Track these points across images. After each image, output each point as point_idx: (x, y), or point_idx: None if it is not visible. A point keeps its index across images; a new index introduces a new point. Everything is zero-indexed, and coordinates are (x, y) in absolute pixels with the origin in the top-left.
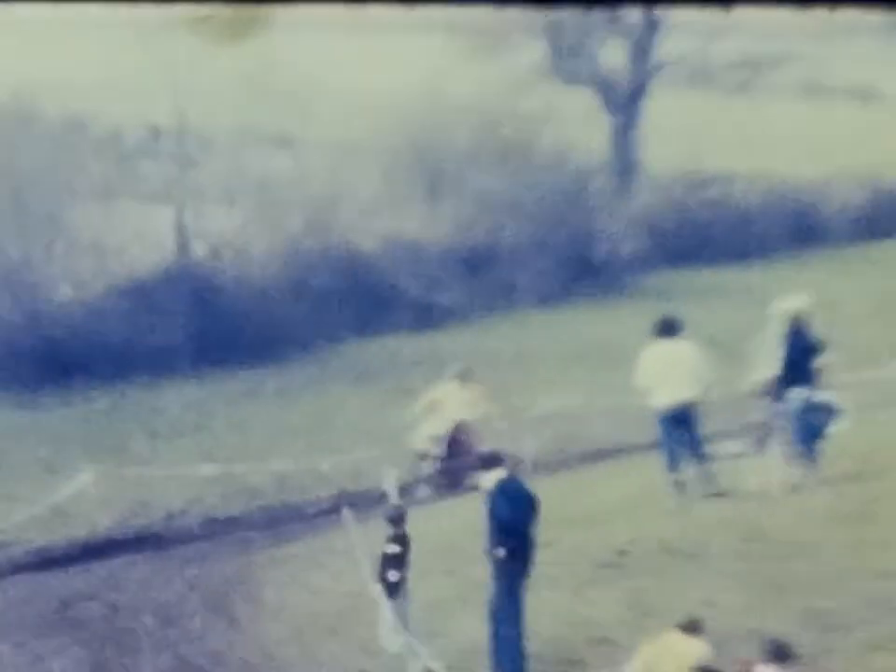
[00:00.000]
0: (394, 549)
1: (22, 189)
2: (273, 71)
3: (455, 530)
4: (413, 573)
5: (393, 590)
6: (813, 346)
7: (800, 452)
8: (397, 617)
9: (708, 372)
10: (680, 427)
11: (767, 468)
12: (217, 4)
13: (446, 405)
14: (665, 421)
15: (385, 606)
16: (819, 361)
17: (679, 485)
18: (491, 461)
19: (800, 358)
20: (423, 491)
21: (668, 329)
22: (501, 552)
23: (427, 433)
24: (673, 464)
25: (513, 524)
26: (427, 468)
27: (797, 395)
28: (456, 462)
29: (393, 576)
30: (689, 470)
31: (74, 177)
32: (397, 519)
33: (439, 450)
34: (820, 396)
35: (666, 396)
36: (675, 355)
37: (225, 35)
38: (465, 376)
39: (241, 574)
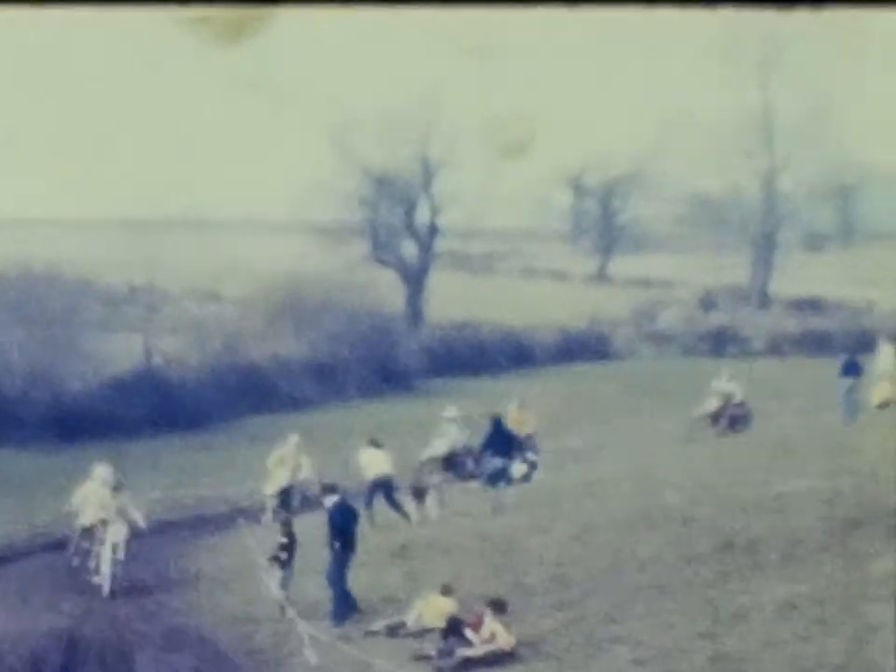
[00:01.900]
0: (282, 540)
1: (49, 323)
2: None
3: (316, 531)
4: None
5: (281, 564)
6: (505, 434)
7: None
8: (282, 580)
9: (390, 465)
10: (379, 487)
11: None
12: (217, 4)
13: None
14: (371, 485)
15: (274, 573)
16: (514, 441)
17: (371, 518)
18: (331, 489)
19: (495, 440)
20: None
21: (375, 444)
22: (337, 544)
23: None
24: (369, 507)
25: (344, 527)
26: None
27: (490, 461)
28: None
29: (281, 556)
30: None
31: (82, 315)
32: (285, 523)
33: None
34: (513, 460)
35: (370, 474)
36: (376, 456)
37: (225, 34)
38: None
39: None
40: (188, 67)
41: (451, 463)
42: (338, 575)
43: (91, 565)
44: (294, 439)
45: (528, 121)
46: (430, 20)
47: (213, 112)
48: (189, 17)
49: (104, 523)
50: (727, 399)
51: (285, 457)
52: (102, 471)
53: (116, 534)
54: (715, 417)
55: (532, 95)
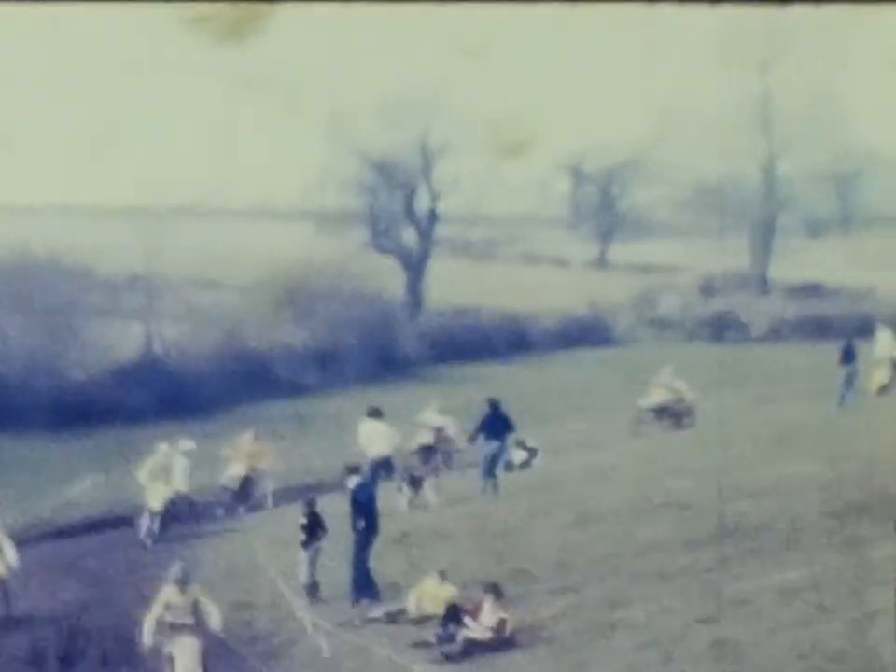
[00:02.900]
0: (303, 521)
1: (49, 310)
2: None
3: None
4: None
5: (305, 545)
6: (501, 418)
7: (484, 477)
8: (307, 559)
9: (395, 440)
10: (382, 467)
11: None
12: (216, 4)
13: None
14: (371, 464)
15: (301, 555)
16: (508, 424)
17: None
18: (354, 470)
19: (490, 423)
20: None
21: (375, 413)
22: (362, 523)
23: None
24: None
25: (368, 507)
26: None
27: (485, 446)
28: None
29: (302, 537)
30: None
31: (82, 303)
32: (309, 503)
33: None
34: (511, 445)
35: (372, 452)
36: (377, 429)
37: (225, 34)
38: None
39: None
40: (187, 64)
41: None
42: (362, 556)
43: None
44: (164, 448)
45: (527, 121)
46: (430, 17)
47: (212, 108)
48: (189, 16)
49: (172, 629)
50: (674, 394)
51: (156, 470)
52: None
53: (186, 653)
54: (660, 412)
55: (531, 86)
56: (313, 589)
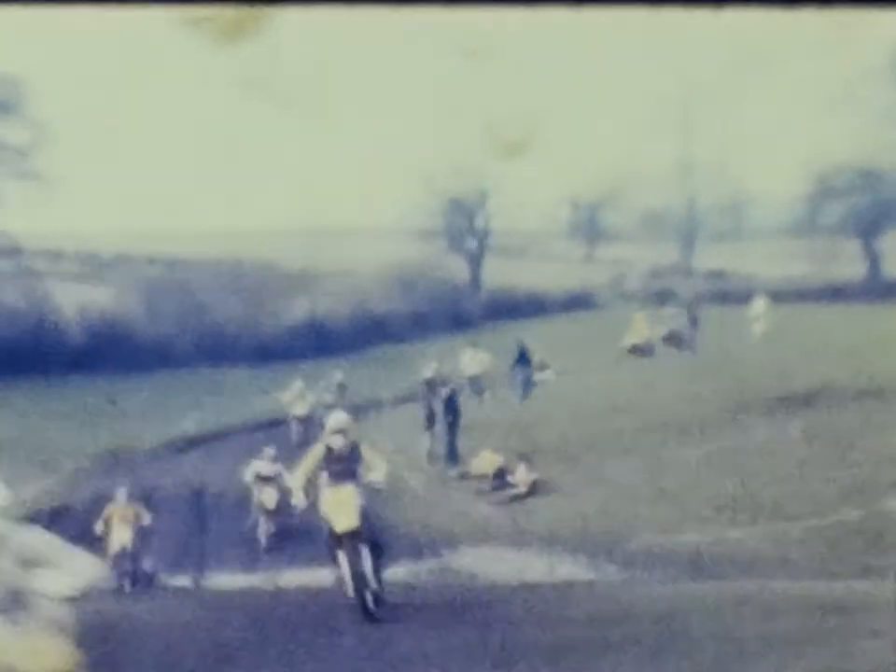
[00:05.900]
0: (426, 412)
1: (249, 292)
2: None
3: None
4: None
5: (427, 428)
6: (526, 356)
7: (523, 391)
8: (430, 437)
9: (486, 364)
10: (476, 382)
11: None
12: (217, 4)
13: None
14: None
15: (425, 434)
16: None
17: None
18: (444, 383)
19: (521, 361)
20: None
21: (475, 344)
22: (450, 418)
23: None
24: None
25: (454, 407)
26: None
27: (520, 370)
28: None
29: (426, 424)
30: None
31: (268, 288)
32: (429, 404)
33: None
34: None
35: (468, 371)
36: (475, 355)
37: (225, 35)
38: None
39: None
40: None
41: None
42: (451, 437)
43: None
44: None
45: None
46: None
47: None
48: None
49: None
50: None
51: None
52: None
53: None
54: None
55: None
56: (433, 455)
